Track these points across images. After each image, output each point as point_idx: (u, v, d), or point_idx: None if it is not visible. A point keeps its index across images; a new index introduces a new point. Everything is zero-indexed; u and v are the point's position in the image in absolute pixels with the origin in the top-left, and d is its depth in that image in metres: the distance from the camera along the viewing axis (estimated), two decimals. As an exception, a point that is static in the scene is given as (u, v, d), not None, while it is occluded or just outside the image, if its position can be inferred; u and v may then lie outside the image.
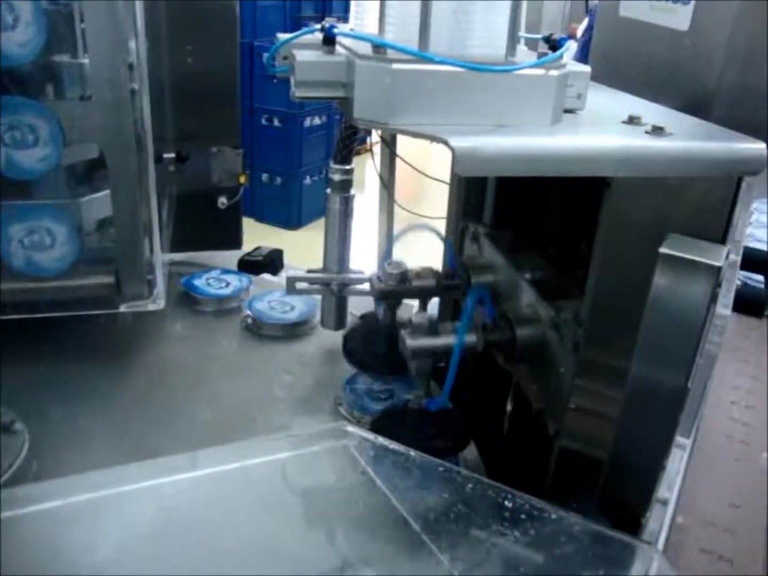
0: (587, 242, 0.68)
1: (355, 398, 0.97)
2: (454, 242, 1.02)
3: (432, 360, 0.81)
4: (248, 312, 1.18)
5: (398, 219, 1.86)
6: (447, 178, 1.05)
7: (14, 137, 0.89)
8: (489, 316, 0.80)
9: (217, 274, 1.31)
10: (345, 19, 0.83)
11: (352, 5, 0.76)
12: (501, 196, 0.92)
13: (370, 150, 1.08)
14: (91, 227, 1.03)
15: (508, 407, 0.88)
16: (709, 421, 0.78)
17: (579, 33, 3.00)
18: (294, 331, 1.17)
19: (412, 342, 0.76)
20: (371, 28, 0.66)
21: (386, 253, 0.99)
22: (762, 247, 1.21)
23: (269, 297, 1.23)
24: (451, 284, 0.94)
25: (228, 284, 1.28)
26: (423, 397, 0.82)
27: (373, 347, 0.97)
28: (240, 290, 1.27)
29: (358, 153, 0.98)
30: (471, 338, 0.79)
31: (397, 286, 0.90)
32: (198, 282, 1.27)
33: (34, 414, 0.89)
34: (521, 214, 0.91)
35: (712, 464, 0.76)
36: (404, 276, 0.90)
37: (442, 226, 1.07)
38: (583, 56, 0.68)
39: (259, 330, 1.16)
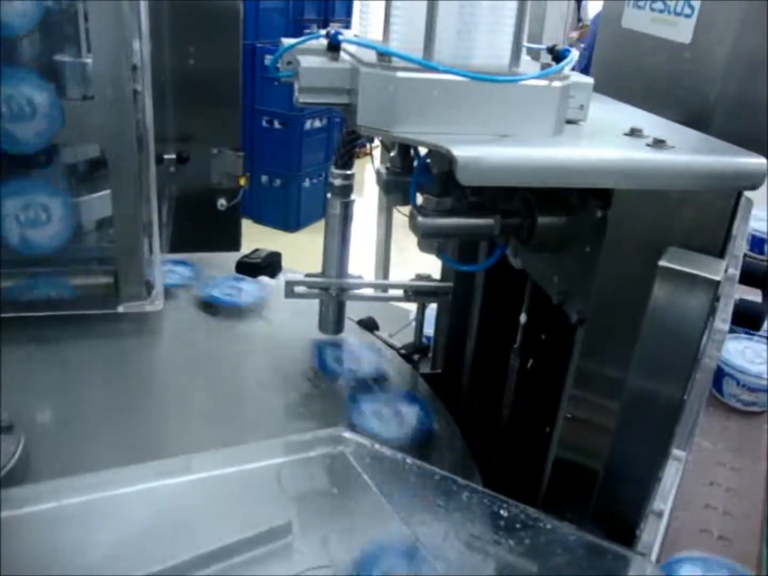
0: None
1: (362, 420, 0.94)
2: None
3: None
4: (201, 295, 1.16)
5: (396, 223, 1.87)
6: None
7: (11, 109, 0.88)
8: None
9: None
10: (347, 22, 0.83)
11: (356, 8, 0.76)
12: None
13: (370, 154, 1.09)
14: (91, 227, 1.03)
15: (523, 319, 0.86)
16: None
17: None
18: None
19: (423, 221, 0.70)
20: (375, 32, 0.66)
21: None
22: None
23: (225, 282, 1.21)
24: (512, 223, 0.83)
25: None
26: None
27: None
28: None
29: (357, 156, 0.98)
30: (488, 222, 0.72)
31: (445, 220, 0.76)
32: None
33: (30, 415, 0.89)
34: None
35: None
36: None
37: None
38: (584, 66, 0.68)
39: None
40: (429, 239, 0.75)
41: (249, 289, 1.22)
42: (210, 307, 1.20)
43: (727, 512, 0.78)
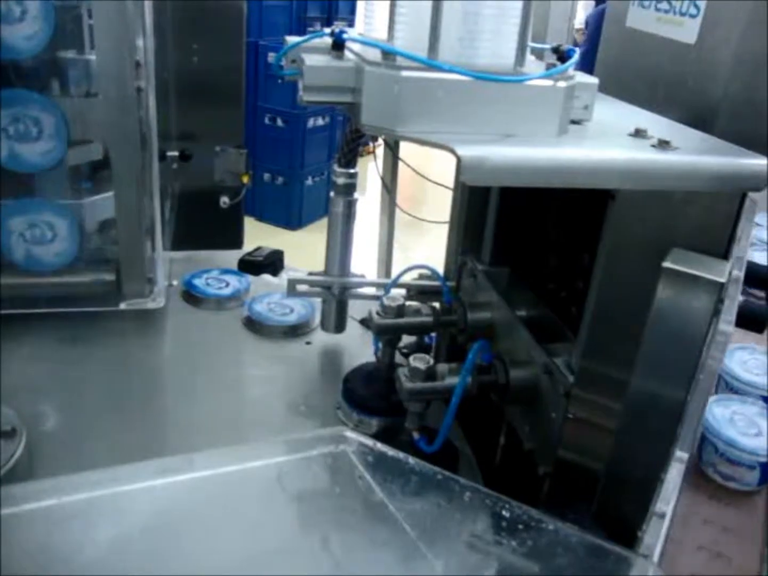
0: (584, 279, 0.68)
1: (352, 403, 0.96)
2: (452, 276, 1.02)
3: (427, 402, 0.81)
4: (248, 313, 1.18)
5: (399, 222, 1.86)
6: (448, 181, 1.05)
7: (18, 130, 0.89)
8: (485, 361, 0.80)
9: (217, 274, 1.31)
10: (351, 21, 0.83)
11: (359, 6, 0.76)
12: (500, 233, 0.92)
13: (373, 152, 1.09)
14: (94, 225, 1.03)
15: (501, 441, 0.88)
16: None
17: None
18: (293, 333, 1.16)
19: (409, 385, 0.76)
20: (379, 31, 0.66)
21: (386, 291, 0.99)
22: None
23: (269, 299, 1.23)
24: (448, 320, 0.95)
25: (227, 284, 1.28)
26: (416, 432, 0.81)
27: (373, 388, 0.96)
28: (239, 291, 1.26)
29: (360, 155, 0.98)
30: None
31: (395, 320, 0.90)
32: (198, 282, 1.27)
33: (31, 412, 0.89)
34: (519, 252, 0.91)
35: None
36: (401, 311, 0.90)
37: (441, 229, 1.07)
38: (582, 66, 0.68)
39: (259, 331, 1.16)
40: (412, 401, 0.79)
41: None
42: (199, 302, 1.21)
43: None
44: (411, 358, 0.77)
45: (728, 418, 0.89)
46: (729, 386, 1.01)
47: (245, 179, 1.35)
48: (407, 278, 1.02)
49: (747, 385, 0.99)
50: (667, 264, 0.57)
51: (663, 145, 0.60)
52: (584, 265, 0.70)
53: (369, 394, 0.95)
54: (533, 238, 0.89)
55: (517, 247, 0.91)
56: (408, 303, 0.93)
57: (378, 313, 0.90)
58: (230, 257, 1.37)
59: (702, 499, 0.80)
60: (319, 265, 1.04)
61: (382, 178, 1.32)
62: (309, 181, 4.16)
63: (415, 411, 0.80)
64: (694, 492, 0.81)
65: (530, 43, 0.64)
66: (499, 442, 0.86)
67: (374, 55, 0.59)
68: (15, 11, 0.84)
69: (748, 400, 0.94)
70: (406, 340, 1.15)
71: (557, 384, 0.69)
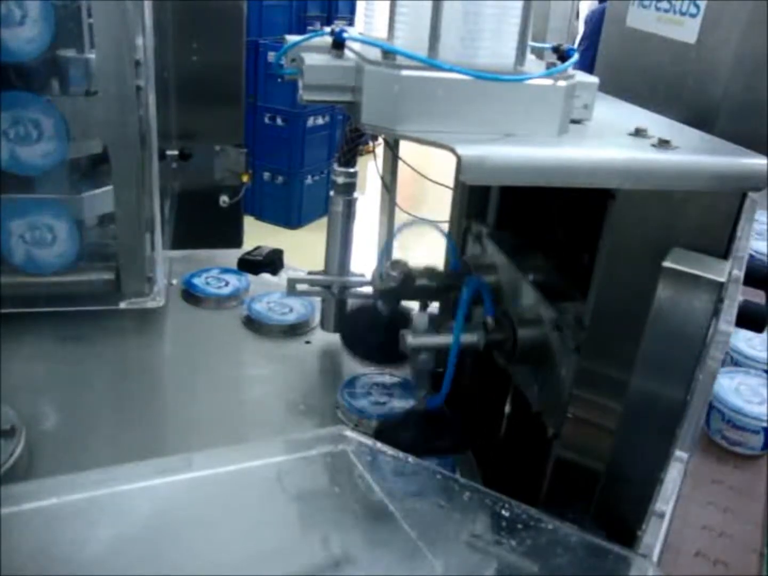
0: (590, 246, 0.67)
1: (352, 402, 0.96)
2: (457, 242, 1.01)
3: (433, 358, 0.80)
4: (247, 312, 1.18)
5: (399, 221, 1.86)
6: (448, 181, 1.05)
7: (18, 133, 0.89)
8: (490, 315, 0.79)
9: (217, 273, 1.31)
10: (350, 20, 0.83)
11: (359, 5, 0.75)
12: (505, 197, 0.91)
13: (372, 152, 1.08)
14: (93, 223, 1.03)
15: (507, 409, 0.88)
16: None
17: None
18: (292, 332, 1.16)
19: (412, 340, 0.75)
20: (379, 30, 0.66)
21: (386, 250, 0.98)
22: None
23: (268, 298, 1.23)
24: (453, 284, 0.92)
25: (227, 283, 1.28)
26: (424, 397, 0.82)
27: (373, 336, 0.95)
28: (239, 290, 1.26)
29: (360, 154, 0.98)
30: (472, 337, 0.78)
31: (398, 285, 0.88)
32: (197, 281, 1.27)
33: (31, 411, 0.89)
34: (525, 215, 0.90)
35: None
36: (406, 275, 0.88)
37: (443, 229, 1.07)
38: (581, 65, 0.68)
39: (258, 331, 1.16)
40: (418, 355, 0.79)
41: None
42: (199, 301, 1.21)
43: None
44: (414, 313, 0.76)
45: (734, 389, 0.95)
46: (734, 361, 1.09)
47: (245, 178, 1.35)
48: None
49: (751, 360, 1.06)
50: (667, 264, 0.57)
51: (663, 144, 0.60)
52: (589, 232, 0.69)
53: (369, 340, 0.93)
54: (538, 201, 0.88)
55: (523, 209, 0.90)
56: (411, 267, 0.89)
57: (381, 276, 0.87)
58: (230, 256, 1.37)
59: (710, 461, 0.86)
60: (319, 265, 1.04)
61: (382, 178, 1.32)
62: (309, 180, 4.16)
63: (424, 369, 0.78)
64: (704, 456, 0.87)
65: (530, 43, 0.64)
66: (504, 411, 0.85)
67: (374, 54, 0.59)
68: (15, 14, 0.84)
69: (751, 372, 1.01)
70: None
71: (567, 339, 0.68)
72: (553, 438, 0.72)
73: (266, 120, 3.98)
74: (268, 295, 1.23)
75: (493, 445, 0.90)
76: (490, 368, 0.85)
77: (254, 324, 1.16)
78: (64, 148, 0.92)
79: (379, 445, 0.66)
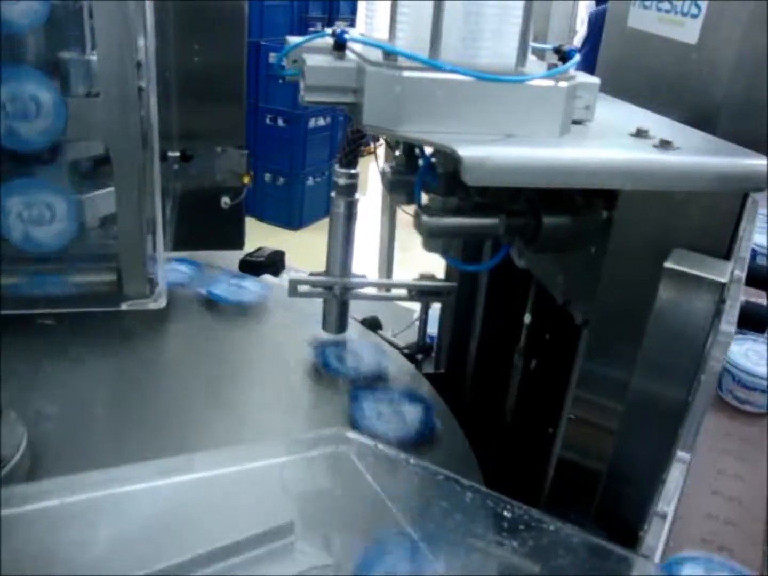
0: None
1: (364, 420, 0.92)
2: None
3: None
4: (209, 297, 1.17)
5: (400, 222, 1.86)
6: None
7: (15, 107, 0.88)
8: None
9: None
10: (352, 21, 0.83)
11: (360, 6, 0.75)
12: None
13: (374, 153, 1.08)
14: (94, 224, 1.03)
15: (527, 319, 0.86)
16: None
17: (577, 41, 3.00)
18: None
19: (428, 219, 0.69)
20: (381, 31, 0.66)
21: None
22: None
23: (231, 279, 1.21)
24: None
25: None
26: None
27: None
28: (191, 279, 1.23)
29: (361, 155, 0.98)
30: (493, 220, 0.71)
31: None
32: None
33: (32, 412, 0.89)
34: None
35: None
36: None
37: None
38: (583, 67, 0.68)
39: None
40: (434, 239, 0.74)
41: (252, 287, 1.22)
42: (212, 304, 1.20)
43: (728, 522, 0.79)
44: (428, 197, 0.71)
45: (743, 353, 1.05)
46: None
47: (246, 180, 1.35)
48: (408, 279, 1.02)
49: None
50: (668, 264, 0.57)
51: (665, 145, 0.60)
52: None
53: None
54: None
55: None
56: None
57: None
58: (231, 257, 1.37)
59: (722, 417, 0.96)
60: (321, 266, 1.04)
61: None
62: (310, 182, 4.16)
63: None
64: (717, 413, 0.97)
65: (532, 43, 0.64)
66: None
67: (376, 55, 0.59)
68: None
69: (759, 339, 1.10)
70: (409, 339, 1.15)
71: (596, 215, 0.66)
72: (583, 325, 0.69)
73: (267, 121, 3.99)
74: (227, 275, 1.23)
75: (495, 444, 0.90)
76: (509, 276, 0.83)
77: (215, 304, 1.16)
78: (60, 122, 0.90)
79: (380, 446, 0.66)
